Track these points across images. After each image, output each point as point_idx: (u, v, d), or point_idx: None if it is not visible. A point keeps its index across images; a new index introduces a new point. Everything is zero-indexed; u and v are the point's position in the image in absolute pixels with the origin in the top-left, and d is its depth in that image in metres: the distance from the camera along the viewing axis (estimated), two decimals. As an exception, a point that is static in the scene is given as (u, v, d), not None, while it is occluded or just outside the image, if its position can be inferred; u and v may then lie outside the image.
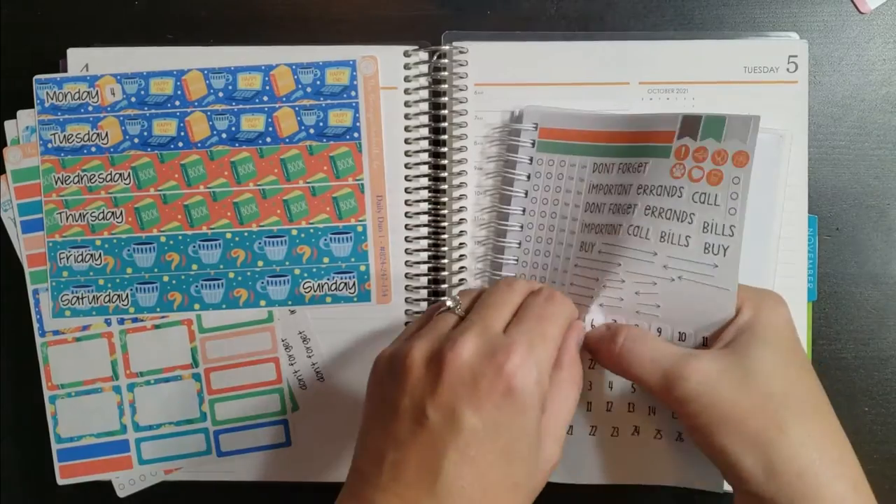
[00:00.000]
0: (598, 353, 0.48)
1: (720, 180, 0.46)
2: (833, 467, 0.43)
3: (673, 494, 0.54)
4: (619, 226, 0.49)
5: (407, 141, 0.54)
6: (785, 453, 0.42)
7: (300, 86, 0.54)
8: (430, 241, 0.54)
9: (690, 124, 0.48)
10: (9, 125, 0.54)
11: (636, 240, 0.48)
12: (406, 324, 0.54)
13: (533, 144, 0.53)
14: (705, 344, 0.47)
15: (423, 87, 0.54)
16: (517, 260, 0.53)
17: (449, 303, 0.45)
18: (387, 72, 0.54)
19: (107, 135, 0.54)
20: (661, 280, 0.47)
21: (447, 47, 0.54)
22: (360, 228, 0.54)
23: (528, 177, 0.53)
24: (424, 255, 0.55)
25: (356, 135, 0.54)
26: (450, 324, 0.44)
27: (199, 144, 0.54)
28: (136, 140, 0.54)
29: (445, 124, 0.54)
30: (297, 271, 0.54)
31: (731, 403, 0.43)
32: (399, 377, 0.42)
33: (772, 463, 0.42)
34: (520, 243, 0.53)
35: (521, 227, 0.53)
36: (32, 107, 0.54)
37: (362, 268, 0.54)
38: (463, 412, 0.40)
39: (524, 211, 0.53)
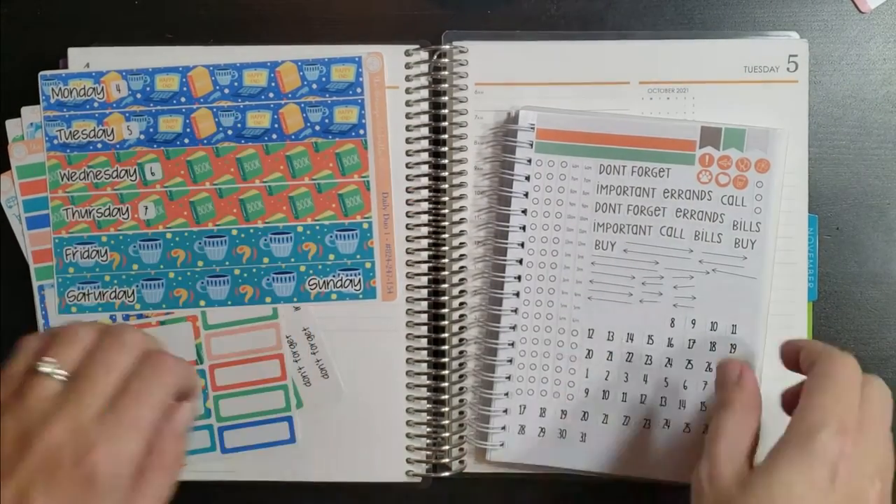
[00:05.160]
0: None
1: (745, 185, 0.52)
2: None
3: (670, 491, 0.54)
4: (650, 227, 0.53)
5: (408, 140, 0.54)
6: None
7: (306, 82, 0.54)
8: (431, 241, 0.55)
9: (711, 135, 0.52)
10: (12, 122, 0.54)
11: (671, 240, 0.53)
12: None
13: (531, 145, 0.53)
14: (734, 332, 0.52)
15: (424, 87, 0.54)
16: (521, 261, 0.54)
17: (45, 368, 0.41)
18: (388, 71, 0.54)
19: (112, 131, 0.54)
20: (697, 273, 0.52)
21: (447, 47, 0.54)
22: (365, 225, 0.54)
23: (528, 178, 0.53)
24: (425, 255, 0.55)
25: (362, 131, 0.54)
26: (46, 395, 0.41)
27: (204, 141, 0.54)
28: (141, 136, 0.54)
29: (446, 124, 0.54)
30: (302, 268, 0.54)
31: None
32: None
33: None
34: (522, 244, 0.54)
35: (524, 227, 0.54)
36: (33, 106, 0.54)
37: (367, 265, 0.54)
38: (35, 499, 0.38)
39: (525, 212, 0.54)
